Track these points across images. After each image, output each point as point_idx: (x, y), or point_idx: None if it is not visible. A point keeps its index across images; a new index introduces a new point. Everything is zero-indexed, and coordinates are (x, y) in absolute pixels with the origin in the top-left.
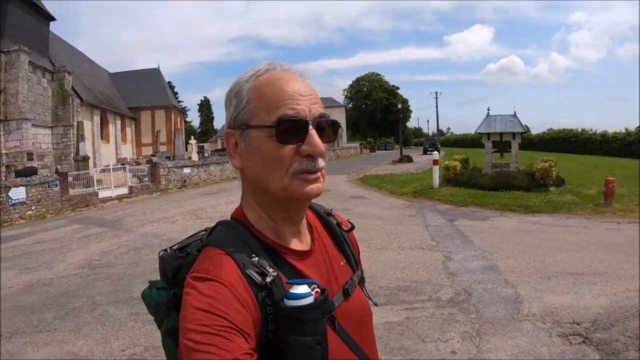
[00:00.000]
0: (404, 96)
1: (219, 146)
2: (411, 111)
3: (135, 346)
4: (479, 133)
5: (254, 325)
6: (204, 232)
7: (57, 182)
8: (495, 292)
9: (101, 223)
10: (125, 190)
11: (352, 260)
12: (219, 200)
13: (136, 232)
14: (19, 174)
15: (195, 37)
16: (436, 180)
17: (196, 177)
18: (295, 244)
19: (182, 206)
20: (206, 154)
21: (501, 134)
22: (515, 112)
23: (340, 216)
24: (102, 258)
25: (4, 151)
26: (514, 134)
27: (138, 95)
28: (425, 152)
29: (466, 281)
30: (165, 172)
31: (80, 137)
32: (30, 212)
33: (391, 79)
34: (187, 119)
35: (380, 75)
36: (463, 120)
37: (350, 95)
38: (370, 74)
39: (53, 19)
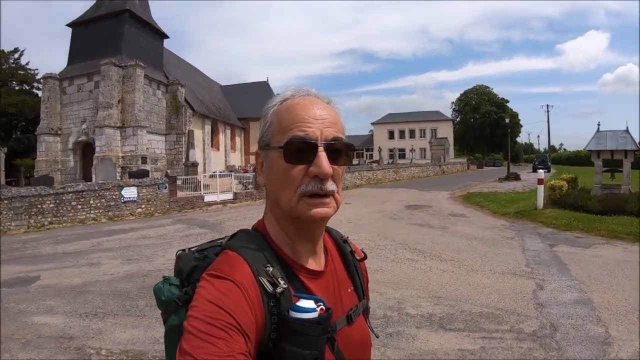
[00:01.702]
0: (513, 110)
1: None
2: (521, 126)
3: None
4: (589, 150)
5: (256, 330)
6: (222, 239)
7: (167, 184)
8: (584, 330)
9: (203, 225)
10: (230, 196)
11: (360, 289)
12: None
13: None
14: (132, 175)
15: (303, 51)
16: (540, 201)
17: None
18: (310, 263)
19: None
20: None
21: (612, 152)
22: (627, 128)
23: (355, 245)
24: None
25: (120, 154)
26: (626, 152)
27: (248, 107)
28: (534, 170)
29: (554, 314)
30: None
31: (191, 144)
32: (140, 209)
33: (500, 91)
34: None
35: (489, 87)
36: (577, 135)
37: (458, 108)
38: (478, 87)
39: (166, 36)
